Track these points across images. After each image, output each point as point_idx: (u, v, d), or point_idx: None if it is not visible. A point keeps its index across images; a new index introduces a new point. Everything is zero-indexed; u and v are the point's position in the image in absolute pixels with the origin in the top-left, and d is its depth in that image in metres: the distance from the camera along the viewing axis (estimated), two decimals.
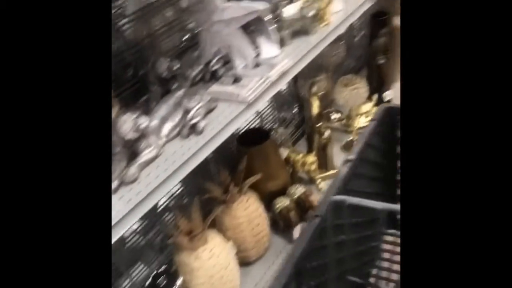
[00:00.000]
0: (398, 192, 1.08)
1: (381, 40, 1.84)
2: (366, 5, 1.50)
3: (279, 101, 1.68)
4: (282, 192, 1.40)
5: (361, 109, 1.70)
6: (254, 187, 1.27)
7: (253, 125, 1.53)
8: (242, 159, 1.23)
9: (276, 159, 1.38)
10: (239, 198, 1.18)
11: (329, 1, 1.31)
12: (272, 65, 1.06)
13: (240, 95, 0.96)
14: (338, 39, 1.76)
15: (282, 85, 1.08)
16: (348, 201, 0.76)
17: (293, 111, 1.77)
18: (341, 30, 1.36)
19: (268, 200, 1.36)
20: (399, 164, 1.06)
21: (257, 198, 1.26)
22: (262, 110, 1.59)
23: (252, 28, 1.02)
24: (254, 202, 1.22)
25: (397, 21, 1.93)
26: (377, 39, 1.84)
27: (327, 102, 1.73)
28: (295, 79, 1.68)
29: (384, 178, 1.03)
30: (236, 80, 1.01)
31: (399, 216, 1.06)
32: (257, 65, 1.06)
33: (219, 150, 1.38)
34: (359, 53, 2.04)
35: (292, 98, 1.74)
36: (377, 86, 1.85)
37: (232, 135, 1.43)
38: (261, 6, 0.90)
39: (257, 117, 1.56)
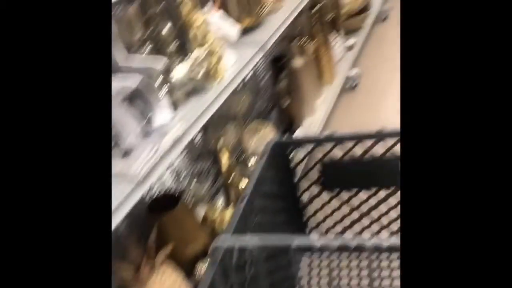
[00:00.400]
0: (304, 219, 1.10)
1: (283, 82, 1.91)
2: (259, 54, 1.54)
3: (194, 154, 1.65)
4: (204, 253, 1.34)
5: None
6: (171, 255, 1.20)
7: (168, 183, 1.48)
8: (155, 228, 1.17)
9: (191, 221, 1.33)
10: (153, 275, 1.10)
11: (220, 56, 1.32)
12: (164, 132, 1.03)
13: (129, 171, 0.91)
14: (241, 88, 1.79)
15: (178, 151, 1.05)
16: (238, 242, 0.74)
17: (208, 164, 1.74)
18: (236, 82, 1.37)
19: (190, 266, 1.30)
20: (298, 194, 1.09)
21: (175, 268, 1.19)
22: (176, 166, 1.55)
23: (136, 98, 1.00)
24: (170, 275, 1.15)
25: (295, 63, 2.01)
26: (279, 82, 1.91)
27: (242, 149, 1.73)
28: (205, 131, 1.67)
29: (287, 208, 1.05)
30: (126, 154, 0.96)
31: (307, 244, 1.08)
32: (148, 134, 1.03)
33: (130, 222, 1.31)
34: (266, 97, 2.09)
35: (206, 151, 1.72)
36: (287, 127, 1.89)
37: (143, 203, 1.36)
38: (132, 81, 0.88)
39: (172, 173, 1.52)
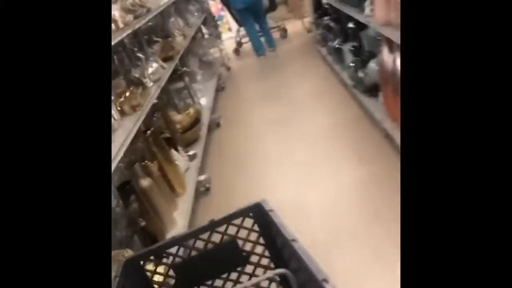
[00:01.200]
0: None
1: (134, 205, 1.96)
2: None
3: None
4: None
5: None
6: None
7: None
8: None
9: None
10: None
11: None
12: None
13: None
14: None
15: None
16: None
17: None
18: None
19: None
20: None
21: None
22: None
23: None
24: None
25: (142, 184, 2.10)
26: (130, 206, 1.95)
27: None
28: None
29: None
30: None
31: None
32: None
33: None
34: (124, 224, 2.10)
35: None
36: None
37: None
38: None
39: None
